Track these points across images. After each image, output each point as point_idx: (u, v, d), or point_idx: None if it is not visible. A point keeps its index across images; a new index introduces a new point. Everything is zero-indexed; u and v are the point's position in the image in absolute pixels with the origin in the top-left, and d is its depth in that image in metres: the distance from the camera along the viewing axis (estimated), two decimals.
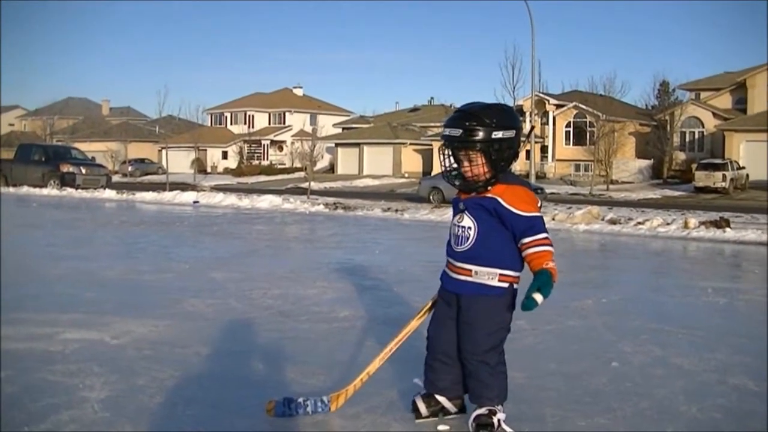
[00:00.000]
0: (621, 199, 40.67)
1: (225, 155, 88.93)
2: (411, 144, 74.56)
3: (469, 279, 4.50)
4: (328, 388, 5.36)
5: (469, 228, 4.49)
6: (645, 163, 62.25)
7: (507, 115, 4.49)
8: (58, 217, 21.65)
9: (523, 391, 5.43)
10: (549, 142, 65.77)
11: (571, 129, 65.79)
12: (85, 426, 4.63)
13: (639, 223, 20.15)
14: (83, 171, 38.75)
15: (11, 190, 35.66)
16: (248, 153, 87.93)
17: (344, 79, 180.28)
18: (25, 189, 35.29)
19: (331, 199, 30.07)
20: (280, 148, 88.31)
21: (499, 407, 4.54)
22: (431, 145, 68.23)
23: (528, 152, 56.75)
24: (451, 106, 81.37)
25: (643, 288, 10.97)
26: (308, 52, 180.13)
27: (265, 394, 4.96)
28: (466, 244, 4.50)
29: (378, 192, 46.52)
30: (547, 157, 65.45)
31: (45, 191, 34.56)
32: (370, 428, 4.69)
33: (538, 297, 4.22)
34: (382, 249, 14.90)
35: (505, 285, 4.47)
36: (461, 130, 4.41)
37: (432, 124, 76.04)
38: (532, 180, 46.73)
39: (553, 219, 21.11)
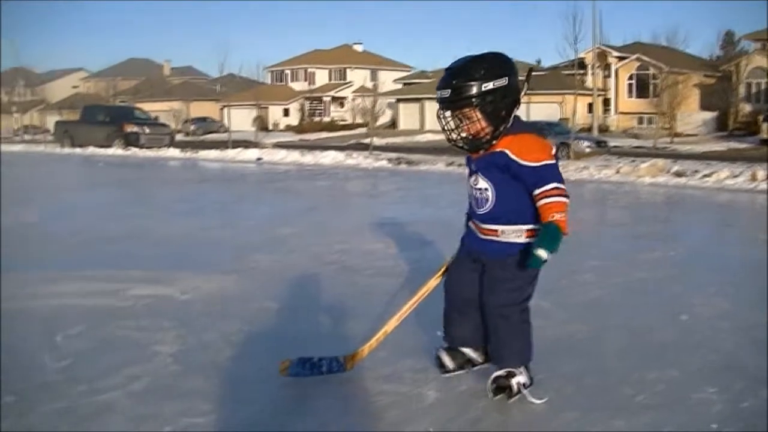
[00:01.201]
0: (685, 152, 40.03)
1: (286, 112, 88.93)
2: None
3: (496, 239, 4.33)
4: (395, 341, 5.37)
5: (486, 189, 4.31)
6: (709, 115, 61.16)
7: (496, 64, 4.24)
8: (124, 176, 21.90)
9: (588, 345, 5.42)
10: (611, 95, 64.93)
11: (633, 81, 64.75)
12: (157, 379, 4.68)
13: (705, 175, 19.80)
14: (147, 130, 39.04)
15: (77, 150, 36.10)
16: (309, 110, 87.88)
17: (404, 34, 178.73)
18: (90, 149, 35.70)
19: (393, 155, 29.93)
20: (341, 105, 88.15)
21: (521, 369, 4.35)
22: None
23: (590, 105, 56.32)
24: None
25: (711, 241, 10.81)
26: (368, 7, 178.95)
27: (332, 348, 4.96)
28: (486, 206, 4.33)
29: (440, 147, 46.25)
30: (609, 110, 64.62)
31: (110, 151, 34.94)
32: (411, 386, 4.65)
33: (541, 253, 4.02)
34: (446, 203, 14.85)
35: (530, 240, 4.22)
36: (450, 90, 4.20)
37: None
38: (595, 133, 46.25)
39: (618, 172, 20.89)
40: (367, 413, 4.32)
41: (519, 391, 4.30)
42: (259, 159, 28.13)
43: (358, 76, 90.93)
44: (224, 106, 71.11)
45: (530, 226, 4.23)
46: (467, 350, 4.68)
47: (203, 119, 78.12)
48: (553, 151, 4.19)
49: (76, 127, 41.24)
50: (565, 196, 4.09)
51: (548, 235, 4.03)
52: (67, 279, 7.36)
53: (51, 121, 72.50)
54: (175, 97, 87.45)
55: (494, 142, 4.22)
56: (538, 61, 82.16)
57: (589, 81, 60.39)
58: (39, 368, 4.90)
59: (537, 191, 4.08)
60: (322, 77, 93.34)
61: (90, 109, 44.51)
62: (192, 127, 74.26)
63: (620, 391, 4.57)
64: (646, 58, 62.56)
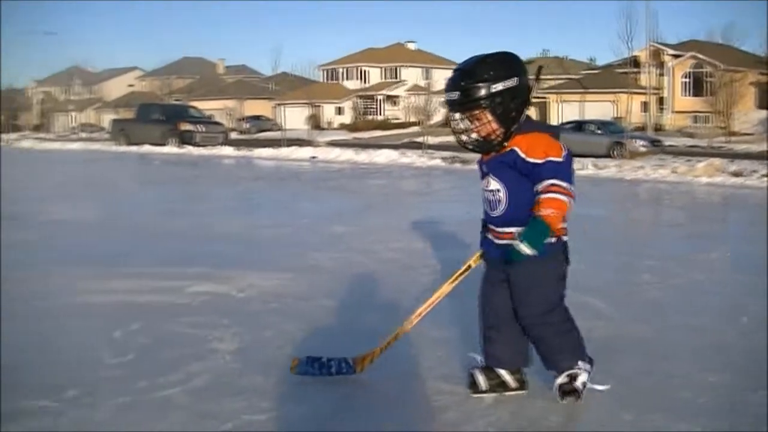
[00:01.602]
0: (742, 151, 39.55)
1: (340, 111, 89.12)
2: None
3: (512, 242, 4.10)
4: (453, 338, 5.35)
5: (498, 190, 4.17)
6: (766, 113, 60.41)
7: (504, 64, 4.12)
8: (179, 174, 22.04)
9: (646, 346, 5.35)
10: (666, 94, 64.31)
11: (688, 80, 64.08)
12: (217, 376, 4.69)
13: (764, 175, 19.54)
14: (201, 129, 39.29)
15: (133, 148, 36.42)
16: (363, 108, 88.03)
17: (457, 33, 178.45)
18: (145, 147, 36.01)
19: (447, 153, 29.81)
20: (395, 103, 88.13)
21: (579, 366, 4.23)
22: (545, 98, 67.47)
23: (645, 104, 55.79)
24: (565, 58, 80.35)
25: None
26: (421, 6, 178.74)
27: (395, 346, 4.94)
28: (500, 208, 4.19)
29: None
30: (664, 109, 64.03)
31: (165, 149, 35.22)
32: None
33: (523, 247, 3.94)
34: None
35: (552, 240, 4.08)
36: (458, 92, 4.09)
37: (546, 77, 75.13)
38: (649, 132, 45.85)
39: (674, 172, 20.69)
40: (425, 413, 4.29)
41: (584, 388, 4.25)
42: (313, 157, 28.21)
43: (412, 75, 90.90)
44: (278, 105, 71.62)
45: None
46: (503, 372, 4.45)
47: (257, 117, 78.43)
48: (564, 152, 4.03)
49: (132, 125, 41.65)
50: (565, 194, 3.95)
51: (532, 228, 3.96)
52: (126, 275, 7.43)
53: (107, 119, 73.47)
54: (229, 95, 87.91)
55: (505, 143, 4.12)
56: (592, 59, 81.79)
57: (643, 79, 59.90)
58: (101, 363, 4.94)
59: (537, 187, 3.99)
60: (375, 76, 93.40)
61: (145, 107, 44.91)
62: (246, 126, 74.59)
63: (679, 393, 4.50)
64: (701, 56, 61.91)
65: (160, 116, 40.76)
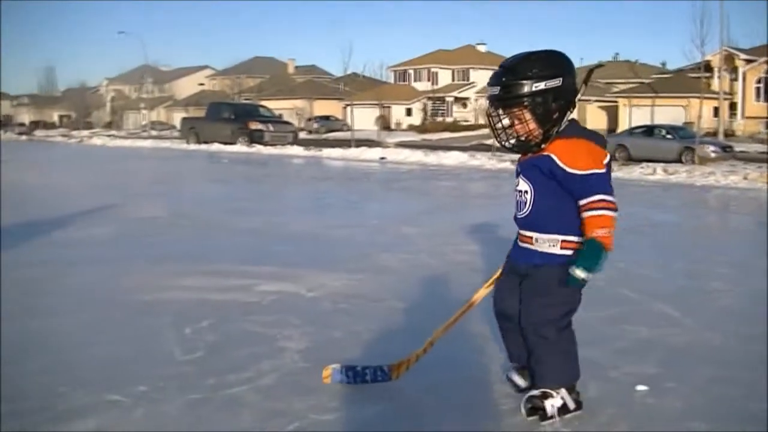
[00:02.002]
0: None
1: (409, 112, 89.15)
2: (596, 101, 73.20)
3: (530, 247, 4.04)
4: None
5: (526, 192, 4.03)
6: None
7: (549, 63, 3.95)
8: (248, 173, 22.17)
9: (718, 354, 5.27)
10: (738, 99, 63.34)
11: (761, 85, 63.11)
12: (285, 375, 4.69)
13: None
14: (271, 128, 39.55)
15: (203, 146, 36.75)
16: (432, 110, 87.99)
17: (527, 35, 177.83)
18: (215, 146, 36.34)
19: (517, 156, 29.62)
20: (464, 105, 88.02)
21: (558, 391, 4.01)
22: (616, 102, 66.93)
23: (716, 109, 55.01)
24: (636, 61, 79.63)
25: None
26: (492, 8, 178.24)
27: (460, 349, 4.92)
28: (524, 210, 4.05)
29: None
30: (736, 114, 63.08)
31: (234, 148, 35.49)
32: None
33: (578, 273, 3.76)
34: None
35: (568, 253, 3.90)
36: (499, 88, 3.93)
37: (617, 81, 74.51)
38: (720, 138, 45.23)
39: (746, 178, 20.38)
40: (493, 417, 4.24)
41: (555, 416, 3.98)
42: (382, 158, 28.23)
43: (481, 77, 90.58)
44: (347, 105, 71.66)
45: (566, 237, 3.93)
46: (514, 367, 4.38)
47: (326, 118, 78.75)
48: (606, 160, 3.90)
49: (202, 123, 42.08)
50: (612, 209, 3.80)
51: (589, 252, 3.77)
52: (198, 273, 7.50)
53: (177, 117, 74.16)
54: (299, 95, 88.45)
55: (544, 145, 3.94)
56: (663, 64, 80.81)
57: (715, 84, 59.09)
58: (171, 360, 4.98)
59: (582, 202, 3.81)
60: (445, 77, 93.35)
61: (215, 106, 45.33)
62: (315, 126, 74.97)
63: (752, 403, 4.39)
64: None
65: (230, 115, 41.11)
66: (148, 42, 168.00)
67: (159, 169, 24.72)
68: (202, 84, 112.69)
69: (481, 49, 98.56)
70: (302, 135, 53.54)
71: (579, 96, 4.03)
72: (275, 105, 68.91)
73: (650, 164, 25.31)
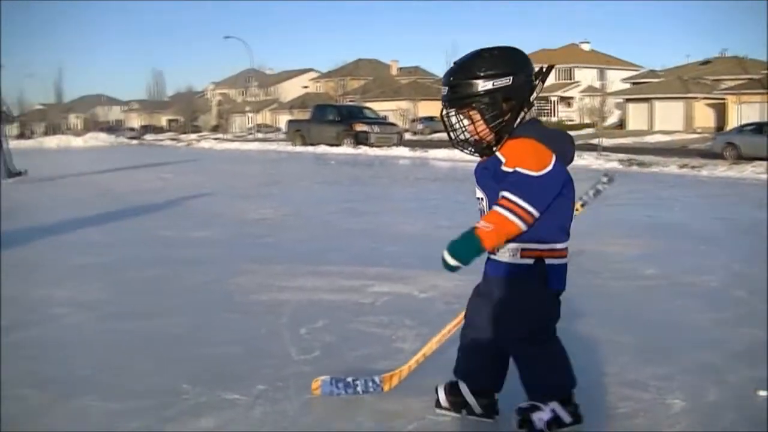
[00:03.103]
0: None
1: None
2: (703, 98, 71.95)
3: (493, 257, 3.77)
4: (635, 345, 5.24)
5: (481, 199, 3.78)
6: None
7: (500, 61, 3.67)
8: (355, 174, 22.29)
9: None
10: None
11: None
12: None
13: None
14: (376, 129, 39.70)
15: (309, 148, 37.06)
16: (536, 109, 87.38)
17: (632, 32, 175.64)
18: (321, 148, 36.58)
19: (623, 156, 29.32)
20: (569, 105, 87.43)
21: (549, 405, 3.80)
22: (724, 99, 65.69)
23: None
24: (744, 57, 77.96)
25: None
26: (595, 6, 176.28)
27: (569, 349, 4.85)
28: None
29: (669, 148, 45.02)
30: None
31: (340, 149, 35.70)
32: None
33: (445, 254, 3.57)
34: (681, 206, 14.46)
35: (530, 261, 3.64)
36: (447, 88, 3.73)
37: (725, 77, 73.09)
38: None
39: None
40: (612, 418, 4.18)
41: (544, 430, 3.78)
42: None
43: (586, 76, 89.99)
44: None
45: (526, 246, 3.63)
46: (465, 391, 4.08)
47: (430, 118, 78.68)
48: (549, 167, 3.50)
49: (307, 125, 42.47)
50: (515, 212, 3.46)
51: (462, 240, 3.54)
52: (311, 273, 7.57)
53: (282, 119, 74.99)
54: (403, 96, 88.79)
55: (495, 148, 3.67)
56: None
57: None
58: (289, 359, 5.03)
59: (498, 195, 3.54)
60: (549, 77, 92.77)
61: (321, 108, 45.67)
62: (419, 126, 75.13)
63: None
64: None
65: (336, 117, 41.41)
66: (253, 46, 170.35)
67: (267, 171, 24.98)
68: (306, 86, 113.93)
69: (585, 47, 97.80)
70: (407, 136, 53.62)
71: (534, 96, 3.74)
72: (379, 106, 69.22)
73: (762, 162, 24.72)
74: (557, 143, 3.64)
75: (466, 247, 3.52)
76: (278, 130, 78.36)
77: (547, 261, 3.66)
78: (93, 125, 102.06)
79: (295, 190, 18.00)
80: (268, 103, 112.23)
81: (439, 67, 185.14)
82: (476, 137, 3.69)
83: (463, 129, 3.73)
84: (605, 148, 33.94)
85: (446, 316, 5.96)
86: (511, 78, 3.63)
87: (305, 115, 52.42)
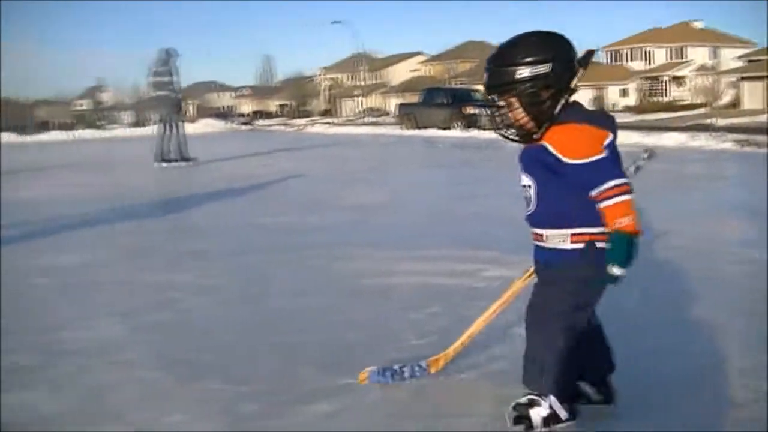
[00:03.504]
0: None
1: (624, 93, 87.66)
2: None
3: (542, 245, 3.77)
4: (748, 331, 5.15)
5: (528, 187, 3.74)
6: None
7: (538, 48, 3.60)
8: (465, 157, 22.28)
9: None
10: None
11: None
12: (516, 362, 4.66)
13: None
14: (486, 112, 39.44)
15: (418, 132, 37.03)
16: (647, 90, 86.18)
17: (747, 8, 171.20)
18: (431, 131, 36.51)
19: (739, 136, 28.61)
20: (680, 84, 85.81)
21: (547, 399, 3.70)
22: None
23: None
24: None
25: None
26: None
27: (685, 334, 4.81)
28: (530, 207, 3.76)
29: None
30: None
31: (450, 132, 35.57)
32: None
33: (614, 270, 3.47)
34: None
35: (580, 246, 3.61)
36: (487, 74, 3.70)
37: None
38: None
39: None
40: (723, 409, 4.10)
41: (539, 426, 3.69)
42: None
43: (698, 54, 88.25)
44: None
45: (576, 231, 3.61)
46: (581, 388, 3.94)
47: None
48: (607, 141, 3.54)
49: (417, 109, 42.36)
50: (626, 192, 3.47)
51: (618, 247, 3.47)
52: (423, 258, 7.61)
53: (392, 103, 75.10)
54: None
55: (537, 135, 3.63)
56: None
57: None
58: (405, 343, 5.10)
59: (593, 193, 3.48)
60: (660, 56, 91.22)
61: (431, 91, 45.55)
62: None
63: None
64: None
65: (445, 100, 41.22)
66: (361, 30, 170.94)
67: (378, 154, 25.12)
68: (415, 70, 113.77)
69: (698, 25, 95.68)
70: None
71: (574, 82, 3.65)
72: None
73: None
74: (601, 121, 3.65)
75: (626, 251, 3.48)
76: (388, 113, 78.64)
77: (599, 245, 3.58)
78: (205, 111, 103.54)
79: (405, 174, 18.07)
80: (378, 86, 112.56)
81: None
82: (520, 124, 3.67)
83: (503, 115, 3.72)
84: (719, 128, 33.17)
85: None
86: (550, 65, 3.57)
87: (415, 98, 52.33)
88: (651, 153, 4.36)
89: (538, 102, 3.58)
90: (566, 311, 3.69)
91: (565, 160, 3.51)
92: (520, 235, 8.71)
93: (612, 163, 3.51)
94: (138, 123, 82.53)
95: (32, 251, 8.93)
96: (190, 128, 51.62)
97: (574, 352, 3.71)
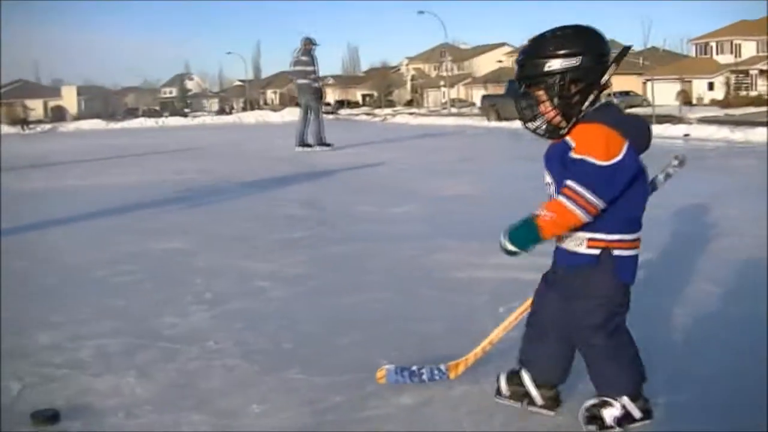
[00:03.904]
0: None
1: (711, 86, 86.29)
2: None
3: (560, 245, 3.70)
4: None
5: (550, 184, 3.67)
6: None
7: (568, 41, 3.52)
8: None
9: None
10: None
11: None
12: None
13: None
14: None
15: (503, 123, 36.86)
16: (735, 83, 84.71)
17: None
18: (516, 123, 36.25)
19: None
20: None
21: (619, 399, 3.65)
22: None
23: None
24: None
25: None
26: None
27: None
28: None
29: None
30: None
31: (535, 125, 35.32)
32: None
33: (503, 240, 3.50)
34: None
35: (596, 252, 3.53)
36: (517, 66, 3.65)
37: None
38: None
39: None
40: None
41: (614, 426, 3.65)
42: (686, 135, 27.33)
43: None
44: (647, 80, 70.14)
45: (593, 235, 3.53)
46: (528, 380, 3.95)
47: (626, 93, 77.21)
48: (619, 156, 3.37)
49: (502, 100, 42.12)
50: (579, 204, 3.36)
51: (522, 226, 3.49)
52: None
53: (476, 94, 74.90)
54: None
55: (563, 130, 3.56)
56: None
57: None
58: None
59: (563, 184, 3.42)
60: (749, 49, 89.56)
61: (514, 83, 45.24)
62: (615, 101, 73.33)
63: None
64: None
65: None
66: (446, 21, 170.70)
67: (463, 146, 25.05)
68: (500, 61, 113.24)
69: None
70: None
71: (606, 78, 3.55)
72: None
73: None
74: (631, 130, 3.52)
75: (525, 234, 3.47)
76: (473, 104, 78.44)
77: (615, 252, 3.54)
78: (289, 100, 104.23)
79: (491, 166, 17.96)
80: (462, 77, 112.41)
81: (634, 40, 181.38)
82: (549, 119, 3.60)
83: (531, 108, 3.66)
84: None
85: (637, 297, 5.87)
86: (580, 58, 3.50)
87: (499, 89, 52.07)
88: (681, 160, 4.24)
89: (567, 96, 3.52)
90: (605, 320, 3.63)
91: (572, 154, 3.45)
92: None
93: (602, 176, 3.38)
94: (222, 111, 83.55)
95: (133, 233, 9.33)
96: (275, 116, 52.44)
97: (628, 348, 3.71)
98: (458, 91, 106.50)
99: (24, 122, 47.10)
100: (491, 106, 42.65)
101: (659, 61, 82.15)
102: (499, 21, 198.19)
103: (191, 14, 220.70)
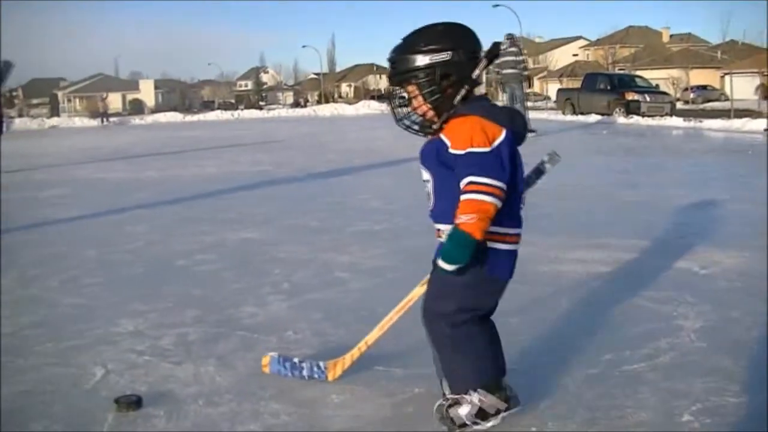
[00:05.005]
0: None
1: None
2: None
3: (439, 239, 3.58)
4: None
5: (427, 181, 3.63)
6: None
7: (439, 36, 3.54)
8: (627, 144, 21.83)
9: None
10: None
11: None
12: (683, 354, 4.60)
13: None
14: (647, 98, 38.63)
15: (579, 117, 36.60)
16: None
17: None
18: (592, 117, 36.02)
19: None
20: None
21: (471, 396, 3.61)
22: None
23: None
24: None
25: None
26: None
27: None
28: (430, 202, 3.65)
29: None
30: None
31: (611, 119, 35.04)
32: None
33: (442, 264, 3.39)
34: None
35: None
36: (389, 63, 3.64)
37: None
38: None
39: None
40: None
41: (471, 424, 3.61)
42: (766, 130, 26.86)
43: None
44: (725, 74, 69.10)
45: None
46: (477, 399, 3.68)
47: (703, 87, 76.18)
48: (500, 137, 3.40)
49: (578, 94, 41.81)
50: (485, 192, 3.30)
51: (449, 241, 3.35)
52: (585, 246, 7.58)
53: (552, 88, 74.39)
54: (674, 64, 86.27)
55: (435, 125, 3.57)
56: None
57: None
58: (568, 332, 5.05)
59: (461, 185, 3.34)
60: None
61: (591, 76, 44.81)
62: (691, 96, 72.63)
63: None
64: None
65: (606, 86, 40.50)
66: (521, 14, 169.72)
67: (539, 139, 24.93)
68: (575, 55, 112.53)
69: None
70: (678, 105, 52.05)
71: (477, 73, 3.54)
72: (650, 75, 67.30)
73: None
74: (505, 118, 3.51)
75: (457, 247, 3.34)
76: (548, 98, 77.91)
77: (489, 245, 3.50)
78: (364, 93, 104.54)
79: (569, 160, 17.69)
80: (538, 71, 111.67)
81: (713, 34, 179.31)
82: (422, 115, 3.62)
83: (402, 105, 3.67)
84: None
85: (728, 293, 5.85)
86: (450, 53, 3.51)
87: (575, 83, 51.66)
88: (553, 156, 4.17)
89: (437, 90, 3.53)
90: (453, 311, 3.59)
91: (451, 150, 3.42)
92: (687, 225, 8.61)
93: (489, 160, 3.36)
94: (297, 104, 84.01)
95: (215, 224, 9.46)
96: (350, 109, 52.62)
97: (478, 342, 3.65)
98: (533, 85, 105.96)
99: (104, 115, 47.72)
100: (566, 100, 42.31)
101: (738, 55, 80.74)
102: (574, 14, 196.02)
103: (267, 8, 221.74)
